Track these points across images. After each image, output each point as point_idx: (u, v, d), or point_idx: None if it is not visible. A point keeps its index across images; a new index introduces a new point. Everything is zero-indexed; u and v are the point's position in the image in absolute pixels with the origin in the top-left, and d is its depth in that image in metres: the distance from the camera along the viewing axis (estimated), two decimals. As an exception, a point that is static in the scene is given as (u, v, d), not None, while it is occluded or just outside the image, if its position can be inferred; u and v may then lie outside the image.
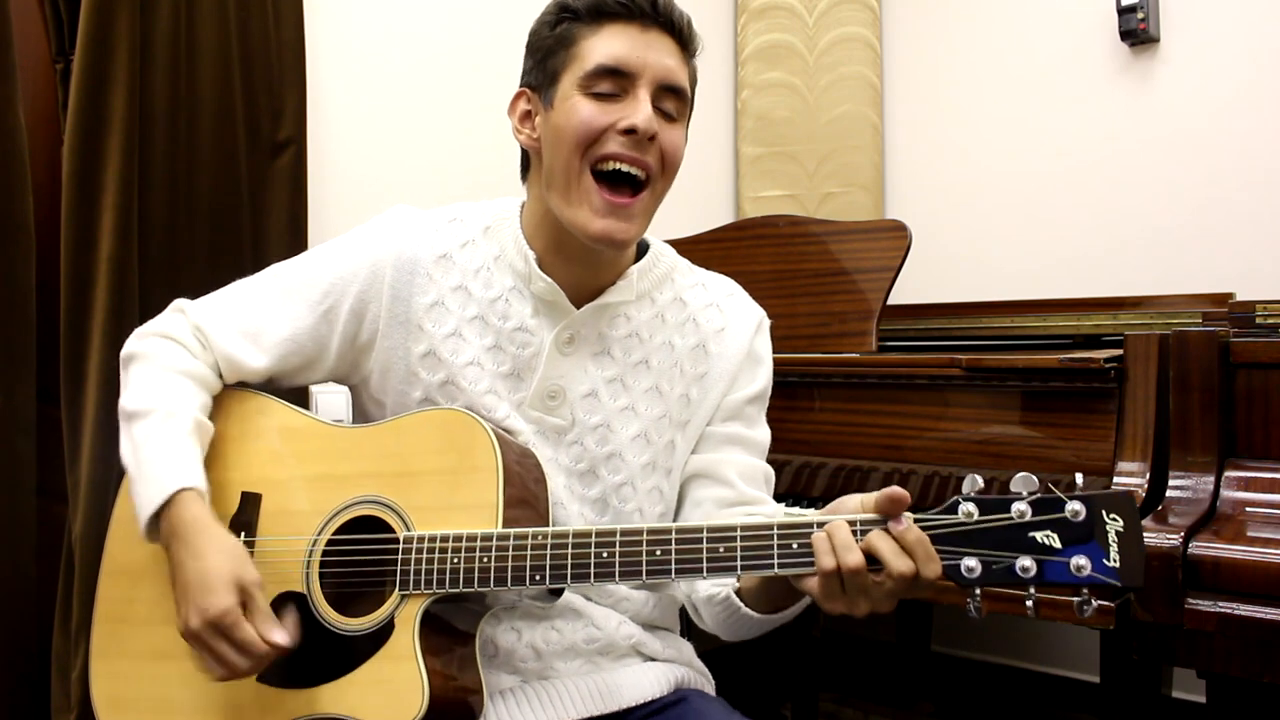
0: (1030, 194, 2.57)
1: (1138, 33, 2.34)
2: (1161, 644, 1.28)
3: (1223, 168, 2.28)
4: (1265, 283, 2.11)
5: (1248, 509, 1.32)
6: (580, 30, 1.09)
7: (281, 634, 1.01)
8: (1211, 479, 1.36)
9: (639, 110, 1.07)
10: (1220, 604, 1.23)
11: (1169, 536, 1.27)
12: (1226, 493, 1.35)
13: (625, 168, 1.08)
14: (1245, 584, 1.22)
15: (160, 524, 1.06)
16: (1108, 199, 2.45)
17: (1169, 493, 1.37)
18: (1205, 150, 2.31)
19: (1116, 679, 1.96)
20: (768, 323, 1.27)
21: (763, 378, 1.24)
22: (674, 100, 1.11)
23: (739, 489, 1.19)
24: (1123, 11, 2.35)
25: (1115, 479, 1.42)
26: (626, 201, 1.08)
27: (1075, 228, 2.49)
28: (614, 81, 1.07)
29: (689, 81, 1.13)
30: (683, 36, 1.11)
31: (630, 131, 1.06)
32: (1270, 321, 1.43)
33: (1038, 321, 2.03)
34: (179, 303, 1.22)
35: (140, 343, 1.18)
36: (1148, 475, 1.40)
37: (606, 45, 1.07)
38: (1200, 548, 1.26)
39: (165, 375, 1.14)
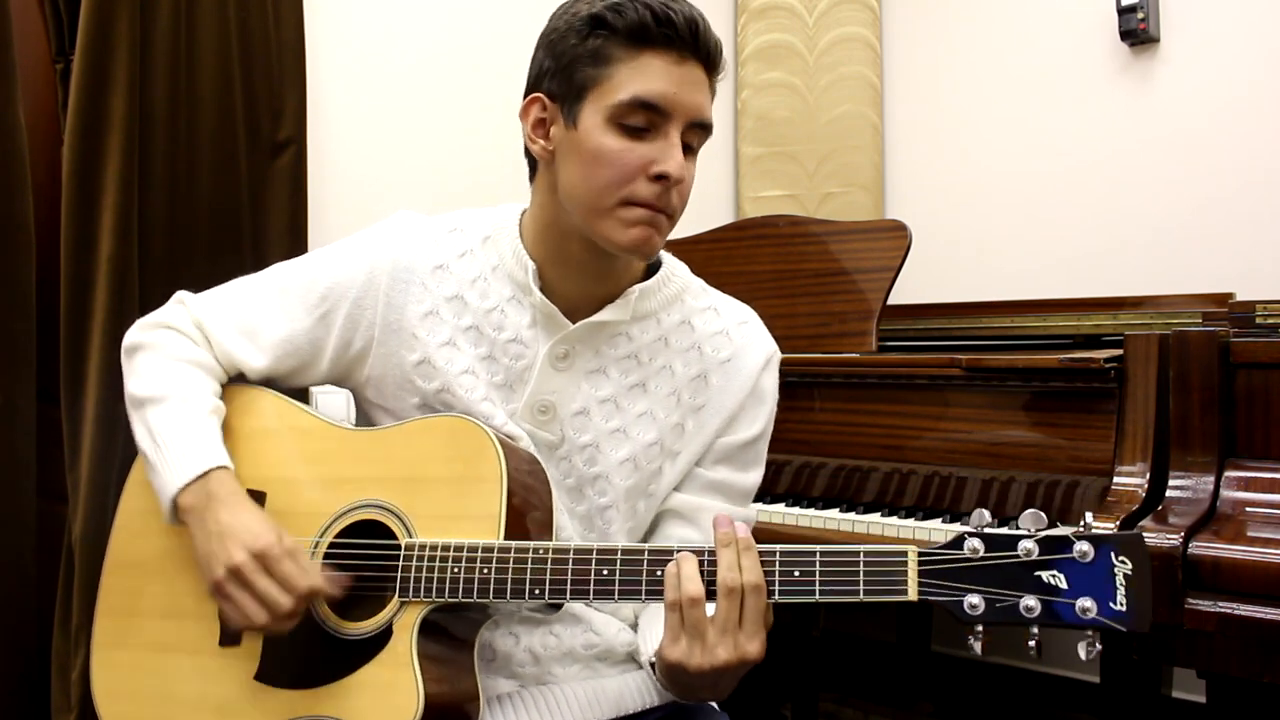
0: (1030, 194, 2.56)
1: (1138, 33, 2.34)
2: (1161, 644, 1.28)
3: (1223, 168, 2.28)
4: (1265, 283, 2.11)
5: (1248, 509, 1.32)
6: (615, 51, 1.03)
7: (320, 580, 1.02)
8: (1211, 479, 1.36)
9: (671, 155, 1.04)
10: (1220, 604, 1.23)
11: (1169, 536, 1.27)
12: (1226, 493, 1.35)
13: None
14: (1245, 584, 1.22)
15: (187, 499, 1.07)
16: (1108, 199, 2.44)
17: (1169, 493, 1.37)
18: (1205, 150, 2.30)
19: (1116, 679, 1.96)
20: (778, 359, 1.22)
21: (763, 418, 1.20)
22: (699, 134, 1.08)
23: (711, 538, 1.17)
24: (1123, 11, 2.35)
25: (1115, 479, 1.42)
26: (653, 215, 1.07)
27: (1075, 228, 2.49)
28: (646, 116, 1.03)
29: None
30: (715, 67, 1.08)
31: (662, 178, 1.04)
32: (1270, 321, 1.42)
33: (1038, 321, 2.03)
34: (180, 295, 1.22)
35: (143, 333, 1.18)
36: (1148, 475, 1.40)
37: (644, 78, 1.03)
38: (1200, 548, 1.26)
39: (174, 363, 1.15)
